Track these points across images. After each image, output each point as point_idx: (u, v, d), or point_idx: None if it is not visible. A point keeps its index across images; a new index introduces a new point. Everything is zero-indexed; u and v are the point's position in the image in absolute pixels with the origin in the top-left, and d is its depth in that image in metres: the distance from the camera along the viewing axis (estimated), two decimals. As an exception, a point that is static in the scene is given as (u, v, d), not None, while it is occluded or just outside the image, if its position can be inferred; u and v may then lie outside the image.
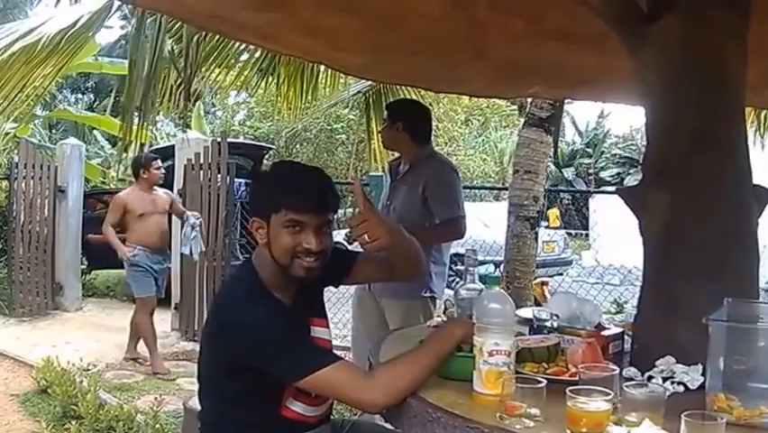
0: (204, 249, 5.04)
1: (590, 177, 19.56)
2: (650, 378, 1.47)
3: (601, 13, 1.79)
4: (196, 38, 3.42)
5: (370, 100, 5.26)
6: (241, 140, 11.33)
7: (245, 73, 4.29)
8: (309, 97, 4.56)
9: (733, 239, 1.57)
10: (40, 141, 11.11)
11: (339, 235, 2.80)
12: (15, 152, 8.53)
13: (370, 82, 4.87)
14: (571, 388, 1.20)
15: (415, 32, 2.56)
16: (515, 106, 15.39)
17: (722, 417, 1.15)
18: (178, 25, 3.50)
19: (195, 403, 2.58)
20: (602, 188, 17.14)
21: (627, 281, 8.63)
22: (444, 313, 2.18)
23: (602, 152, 19.77)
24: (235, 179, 5.63)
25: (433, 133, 3.15)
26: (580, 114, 21.18)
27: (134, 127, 3.69)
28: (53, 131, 14.46)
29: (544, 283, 2.53)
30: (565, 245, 10.14)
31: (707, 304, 1.35)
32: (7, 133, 8.33)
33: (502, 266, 4.28)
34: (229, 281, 1.76)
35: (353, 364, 1.55)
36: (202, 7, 2.48)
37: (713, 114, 1.61)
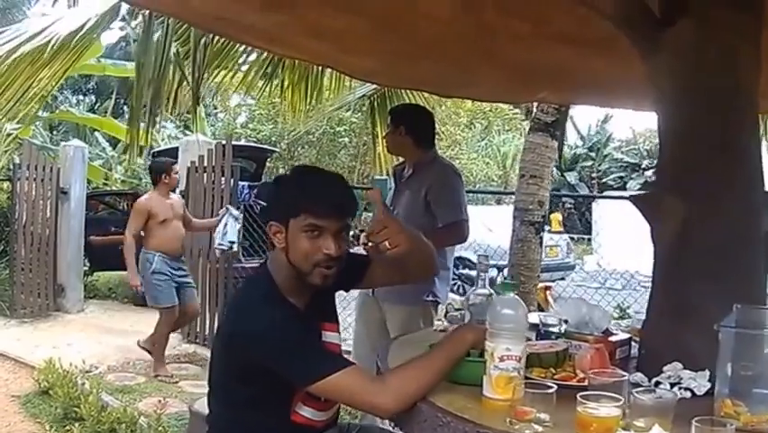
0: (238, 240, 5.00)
1: (593, 181, 19.57)
2: (657, 383, 1.47)
3: (613, 17, 1.79)
4: (203, 40, 3.42)
5: (375, 104, 5.25)
6: (243, 142, 11.33)
7: (249, 78, 4.29)
8: (314, 102, 4.55)
9: (744, 244, 1.57)
10: (42, 142, 11.12)
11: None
12: (17, 153, 8.55)
13: (374, 86, 4.86)
14: (581, 394, 1.20)
15: (424, 35, 2.55)
16: (518, 110, 15.38)
17: (732, 423, 1.15)
18: (184, 28, 3.50)
19: (201, 407, 2.57)
20: (605, 193, 17.16)
21: (630, 286, 8.65)
22: (446, 317, 2.18)
23: (605, 156, 19.76)
24: (239, 183, 5.62)
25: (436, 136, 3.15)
26: (583, 118, 21.27)
27: (141, 131, 3.68)
28: (54, 132, 14.47)
29: (547, 288, 2.54)
30: (568, 250, 10.16)
31: (717, 310, 1.35)
32: (9, 135, 8.33)
33: (506, 270, 4.28)
34: (244, 285, 1.77)
35: (365, 370, 1.55)
36: (207, 9, 2.47)
37: (726, 119, 1.61)
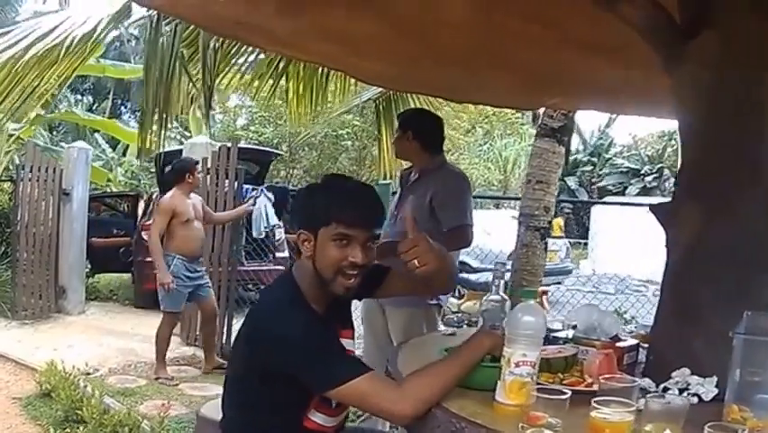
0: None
1: (593, 186, 19.57)
2: (665, 389, 1.47)
3: (638, 27, 1.77)
4: (212, 44, 3.43)
5: (381, 107, 5.26)
6: (243, 144, 11.33)
7: (255, 81, 4.30)
8: (319, 108, 4.55)
9: (761, 253, 1.56)
10: (44, 143, 11.11)
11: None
12: (19, 153, 8.55)
13: (380, 89, 4.85)
14: (595, 399, 1.20)
15: (440, 41, 2.54)
16: (519, 114, 15.38)
17: (743, 429, 1.16)
18: (189, 30, 3.50)
19: (208, 411, 2.58)
20: (604, 198, 17.16)
21: (619, 291, 8.69)
22: (443, 321, 2.18)
23: (606, 161, 19.74)
24: (243, 185, 5.63)
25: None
26: (585, 123, 21.23)
27: (150, 135, 3.69)
28: (54, 132, 14.45)
29: (543, 292, 2.53)
30: (567, 254, 10.14)
31: (728, 316, 1.36)
32: (11, 135, 8.32)
33: (508, 275, 4.27)
34: (269, 290, 1.79)
35: (383, 376, 1.56)
36: (228, 14, 2.46)
37: (749, 131, 1.60)
